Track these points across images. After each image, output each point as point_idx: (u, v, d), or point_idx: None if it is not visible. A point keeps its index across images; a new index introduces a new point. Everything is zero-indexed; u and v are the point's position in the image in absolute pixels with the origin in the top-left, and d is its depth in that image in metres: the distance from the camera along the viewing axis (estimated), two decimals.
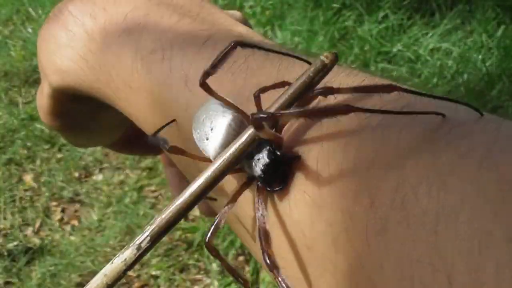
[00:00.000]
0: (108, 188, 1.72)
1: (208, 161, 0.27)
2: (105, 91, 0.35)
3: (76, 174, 1.77)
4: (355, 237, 0.21)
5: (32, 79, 2.12)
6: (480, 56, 1.78)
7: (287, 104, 0.25)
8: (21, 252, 1.54)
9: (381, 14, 1.98)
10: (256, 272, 1.41)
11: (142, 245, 0.24)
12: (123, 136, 0.49)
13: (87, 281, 0.24)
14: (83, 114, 0.42)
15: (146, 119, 0.33)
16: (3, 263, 1.52)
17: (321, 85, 0.25)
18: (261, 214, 0.25)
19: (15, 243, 1.57)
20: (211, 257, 1.45)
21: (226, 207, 0.26)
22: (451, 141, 0.21)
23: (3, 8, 2.56)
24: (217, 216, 0.26)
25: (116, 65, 0.34)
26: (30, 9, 2.47)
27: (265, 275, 1.38)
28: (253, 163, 0.25)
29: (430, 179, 0.20)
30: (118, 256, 0.24)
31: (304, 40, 1.88)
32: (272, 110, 0.25)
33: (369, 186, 0.21)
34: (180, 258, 1.49)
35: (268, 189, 0.25)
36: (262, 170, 0.25)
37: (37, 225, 1.64)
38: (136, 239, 0.25)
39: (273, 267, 0.24)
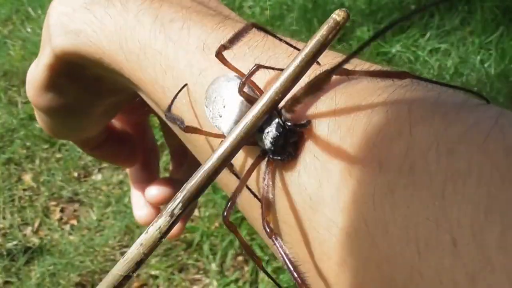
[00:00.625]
0: (107, 188, 1.72)
1: (222, 137, 0.28)
2: (115, 55, 0.35)
3: (75, 174, 1.78)
4: (361, 201, 0.22)
5: None
6: (478, 57, 1.78)
7: (304, 64, 0.25)
8: (20, 251, 1.54)
9: (380, 15, 1.98)
10: (255, 272, 1.41)
11: (175, 211, 0.25)
12: (101, 135, 0.49)
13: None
14: (75, 94, 0.42)
15: (156, 83, 0.34)
16: (2, 263, 1.52)
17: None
18: (266, 184, 0.26)
19: (14, 242, 1.58)
20: (210, 257, 1.46)
21: (241, 182, 0.27)
22: (460, 114, 0.22)
23: (2, 8, 2.56)
24: (233, 191, 0.27)
25: (134, 29, 0.34)
26: (30, 9, 2.47)
27: (264, 275, 1.38)
28: (263, 136, 0.26)
29: (440, 146, 0.20)
30: (152, 225, 0.25)
31: (302, 40, 1.88)
32: (290, 70, 0.25)
33: (378, 151, 0.22)
34: (179, 258, 1.49)
35: (279, 158, 0.25)
36: (271, 143, 0.25)
37: (36, 224, 1.64)
38: (169, 207, 0.25)
39: (271, 234, 0.25)
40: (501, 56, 1.77)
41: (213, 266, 1.45)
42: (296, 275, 0.23)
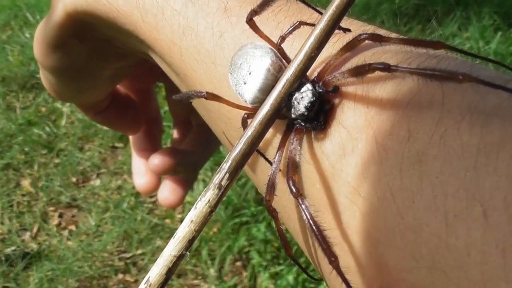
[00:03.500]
0: (105, 193, 1.72)
1: (242, 107, 0.28)
2: (130, 15, 0.35)
3: (74, 179, 1.78)
4: (388, 170, 0.21)
5: (30, 84, 2.13)
6: (477, 62, 1.78)
7: (336, 17, 0.24)
8: (18, 257, 1.54)
9: (378, 20, 1.98)
10: (253, 277, 1.41)
11: (222, 183, 0.24)
12: (105, 100, 0.49)
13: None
14: (83, 55, 0.41)
15: (173, 44, 0.33)
16: (0, 268, 1.51)
17: (370, 30, 0.25)
18: (294, 148, 0.26)
19: (13, 248, 1.57)
20: (209, 262, 1.45)
21: (275, 163, 0.27)
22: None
23: (0, 14, 2.57)
24: (269, 174, 0.26)
25: None
26: (28, 14, 2.48)
27: (262, 280, 1.38)
28: (295, 102, 0.25)
29: (473, 117, 0.20)
30: (200, 200, 0.24)
31: None
32: (323, 24, 0.24)
33: (408, 120, 0.21)
34: None
35: (309, 126, 0.25)
36: (306, 108, 0.25)
37: (35, 230, 1.64)
38: (215, 179, 0.24)
39: (297, 194, 0.24)
40: (500, 61, 1.78)
41: (212, 272, 1.44)
42: (321, 239, 0.23)
